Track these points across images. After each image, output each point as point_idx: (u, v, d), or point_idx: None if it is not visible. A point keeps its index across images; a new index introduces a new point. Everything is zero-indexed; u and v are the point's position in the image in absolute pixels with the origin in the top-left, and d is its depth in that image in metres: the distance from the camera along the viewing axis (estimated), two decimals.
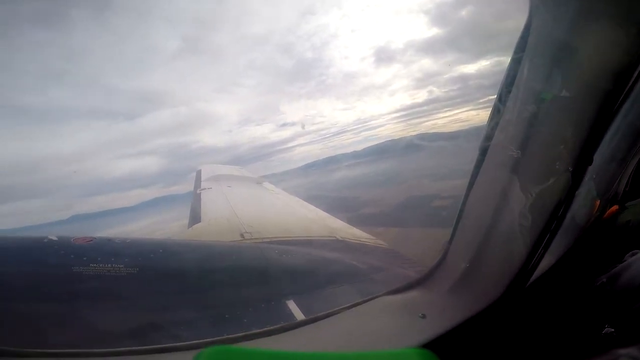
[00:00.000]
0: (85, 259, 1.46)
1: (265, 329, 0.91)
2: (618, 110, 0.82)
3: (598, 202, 1.70)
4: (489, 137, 0.93)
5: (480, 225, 0.97)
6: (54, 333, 1.15)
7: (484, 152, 0.95)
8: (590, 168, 0.85)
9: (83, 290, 1.38)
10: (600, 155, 1.41)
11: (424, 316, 0.92)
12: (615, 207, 1.91)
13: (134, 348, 0.83)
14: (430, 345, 0.81)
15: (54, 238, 1.55)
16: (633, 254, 1.26)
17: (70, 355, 0.82)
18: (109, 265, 1.44)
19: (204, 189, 4.84)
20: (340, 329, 0.93)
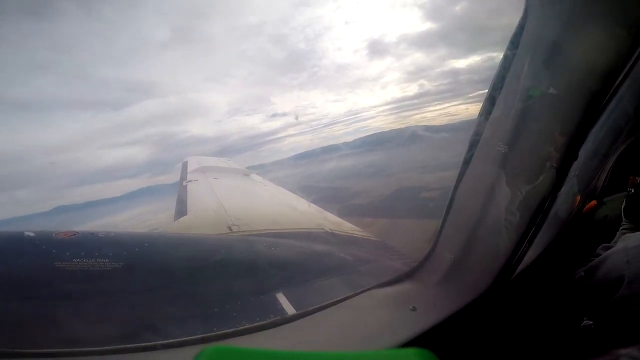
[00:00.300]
0: (68, 253, 1.41)
1: (255, 324, 0.91)
2: (604, 108, 0.84)
3: (579, 197, 1.75)
4: (478, 132, 0.94)
5: (468, 219, 0.99)
6: (36, 332, 1.12)
7: (472, 146, 0.96)
8: (574, 164, 0.88)
9: (66, 287, 1.34)
10: (583, 152, 1.45)
11: (414, 309, 0.93)
12: (593, 202, 1.99)
13: (121, 346, 0.82)
14: (421, 338, 0.82)
15: (33, 233, 1.50)
16: (605, 247, 1.31)
17: (55, 355, 0.81)
18: (93, 260, 1.40)
19: (190, 181, 4.75)
20: (331, 323, 0.94)
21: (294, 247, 2.18)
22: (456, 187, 1.03)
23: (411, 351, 0.36)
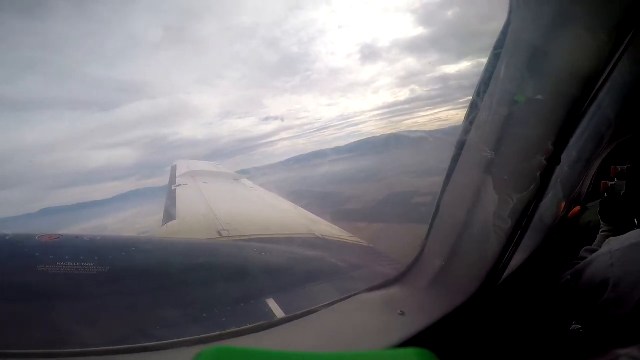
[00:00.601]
0: (51, 257, 1.38)
1: (244, 327, 0.90)
2: (585, 113, 0.86)
3: (564, 203, 1.79)
4: (463, 138, 0.96)
5: (455, 223, 1.00)
6: (18, 335, 1.09)
7: (459, 152, 0.98)
8: (557, 169, 0.89)
9: (49, 290, 1.31)
10: (566, 158, 1.48)
11: (402, 313, 0.93)
12: (577, 208, 2.03)
13: (118, 347, 0.80)
14: (410, 342, 0.82)
15: (16, 236, 1.46)
16: (587, 250, 1.33)
17: (53, 355, 0.79)
18: (77, 264, 1.37)
19: (179, 185, 4.68)
20: (320, 327, 0.93)
21: (284, 253, 2.17)
22: (443, 191, 1.04)
23: (411, 351, 0.35)
